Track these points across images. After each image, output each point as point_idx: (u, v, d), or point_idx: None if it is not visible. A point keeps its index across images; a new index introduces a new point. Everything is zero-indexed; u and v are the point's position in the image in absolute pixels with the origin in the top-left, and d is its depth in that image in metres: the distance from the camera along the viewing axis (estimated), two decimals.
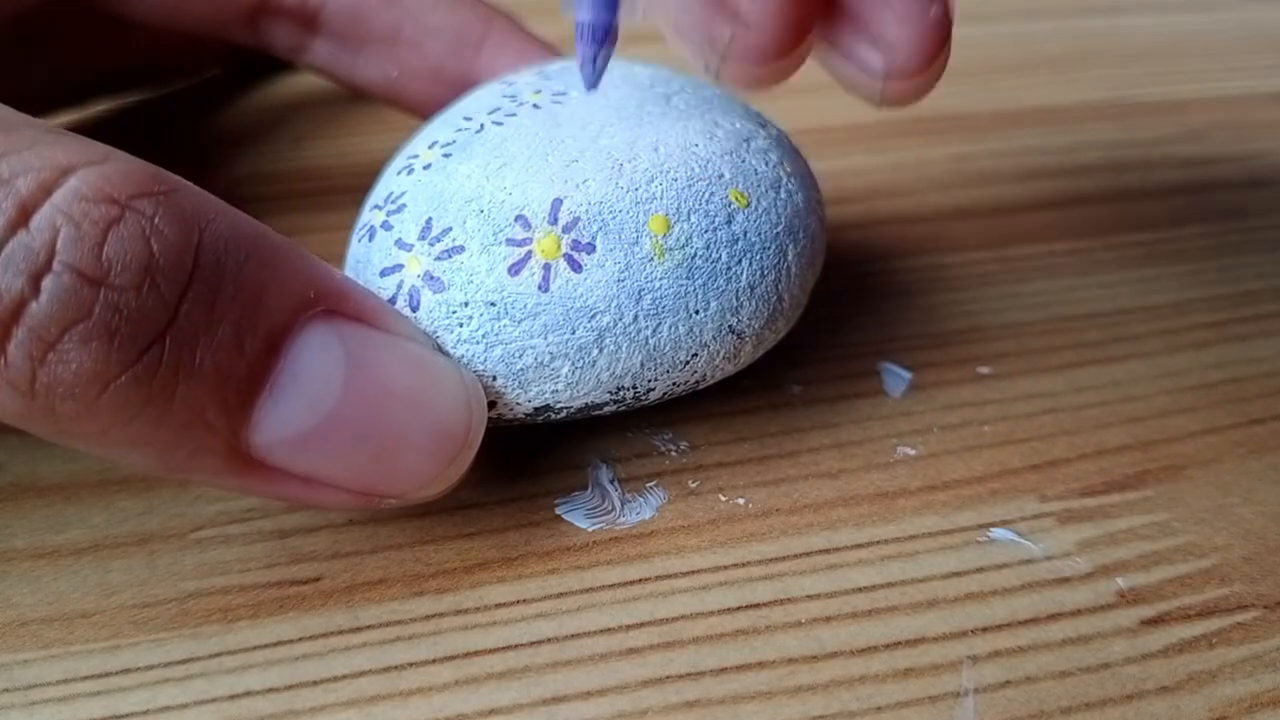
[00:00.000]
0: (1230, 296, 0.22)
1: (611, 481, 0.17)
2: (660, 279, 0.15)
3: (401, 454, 0.14)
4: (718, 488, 0.17)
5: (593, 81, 0.15)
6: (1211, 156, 0.28)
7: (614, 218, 0.15)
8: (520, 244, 0.15)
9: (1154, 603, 0.15)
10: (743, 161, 0.17)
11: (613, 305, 0.15)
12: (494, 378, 0.15)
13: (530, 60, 0.23)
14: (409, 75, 0.24)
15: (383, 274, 0.16)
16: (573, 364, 0.15)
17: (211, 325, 0.12)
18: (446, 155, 0.16)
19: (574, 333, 0.15)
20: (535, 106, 0.17)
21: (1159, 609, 0.15)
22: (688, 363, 0.16)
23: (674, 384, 0.16)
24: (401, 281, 0.15)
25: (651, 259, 0.15)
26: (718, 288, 0.16)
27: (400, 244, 0.16)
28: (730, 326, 0.16)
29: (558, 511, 0.16)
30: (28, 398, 0.11)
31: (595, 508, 0.16)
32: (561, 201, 0.15)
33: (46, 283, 0.11)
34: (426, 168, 0.16)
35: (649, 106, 0.17)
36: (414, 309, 0.15)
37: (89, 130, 0.27)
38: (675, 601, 0.15)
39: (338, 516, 0.16)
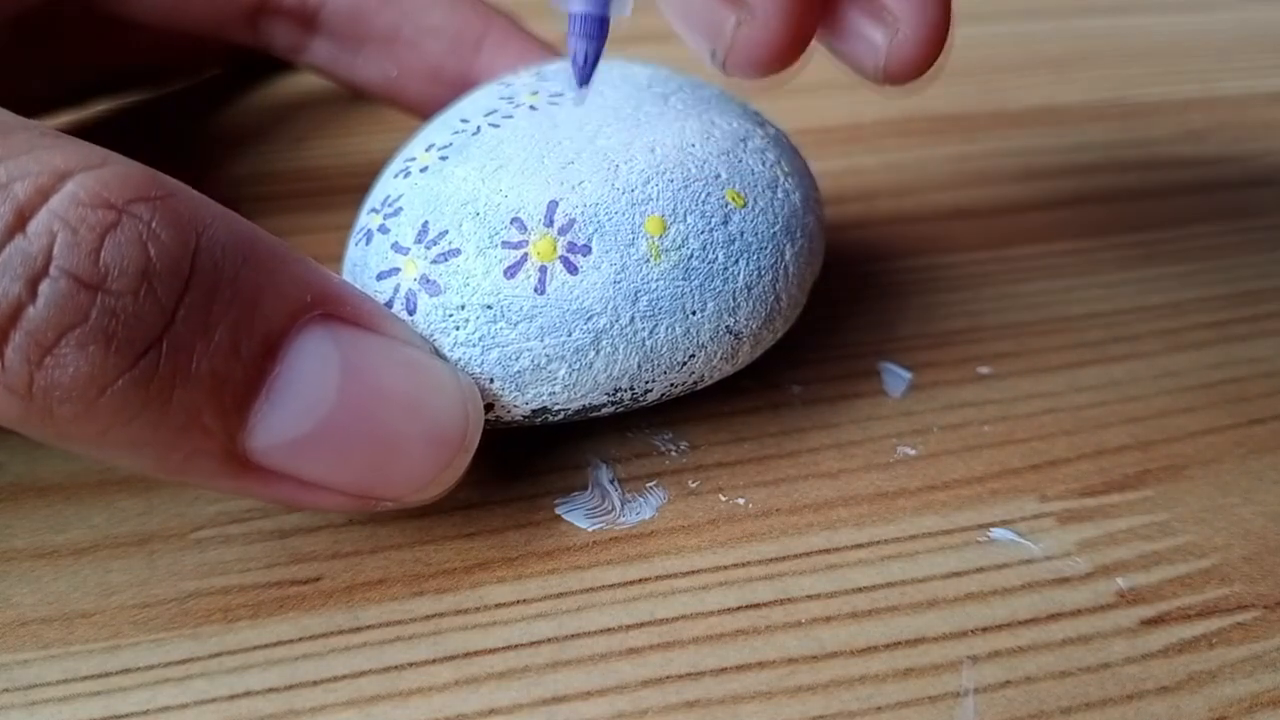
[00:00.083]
0: (1230, 296, 0.22)
1: (611, 481, 0.17)
2: (656, 280, 0.15)
3: (398, 457, 0.14)
4: (718, 488, 0.17)
5: (584, 78, 0.15)
6: (1211, 156, 0.28)
7: (610, 219, 0.15)
8: (516, 247, 0.15)
9: (1154, 603, 0.15)
10: (739, 161, 0.17)
11: (609, 307, 0.15)
12: (491, 380, 0.15)
13: (530, 60, 0.23)
14: (408, 75, 0.24)
15: (379, 277, 0.16)
16: (569, 366, 0.15)
17: (208, 329, 0.12)
18: (443, 158, 0.16)
19: (570, 335, 0.15)
20: (532, 108, 0.17)
21: (1159, 609, 0.15)
22: (685, 364, 0.16)
23: (672, 385, 0.16)
24: (398, 285, 0.15)
25: (648, 260, 0.15)
26: (714, 288, 0.16)
27: (397, 247, 0.16)
28: (728, 327, 0.16)
29: (558, 511, 0.16)
30: (25, 401, 0.11)
31: (595, 508, 0.16)
32: (557, 204, 0.15)
33: (43, 287, 0.11)
34: (423, 171, 0.16)
35: (646, 107, 0.17)
36: (410, 312, 0.15)
37: (89, 130, 0.27)
38: (675, 601, 0.15)
39: (338, 516, 0.16)
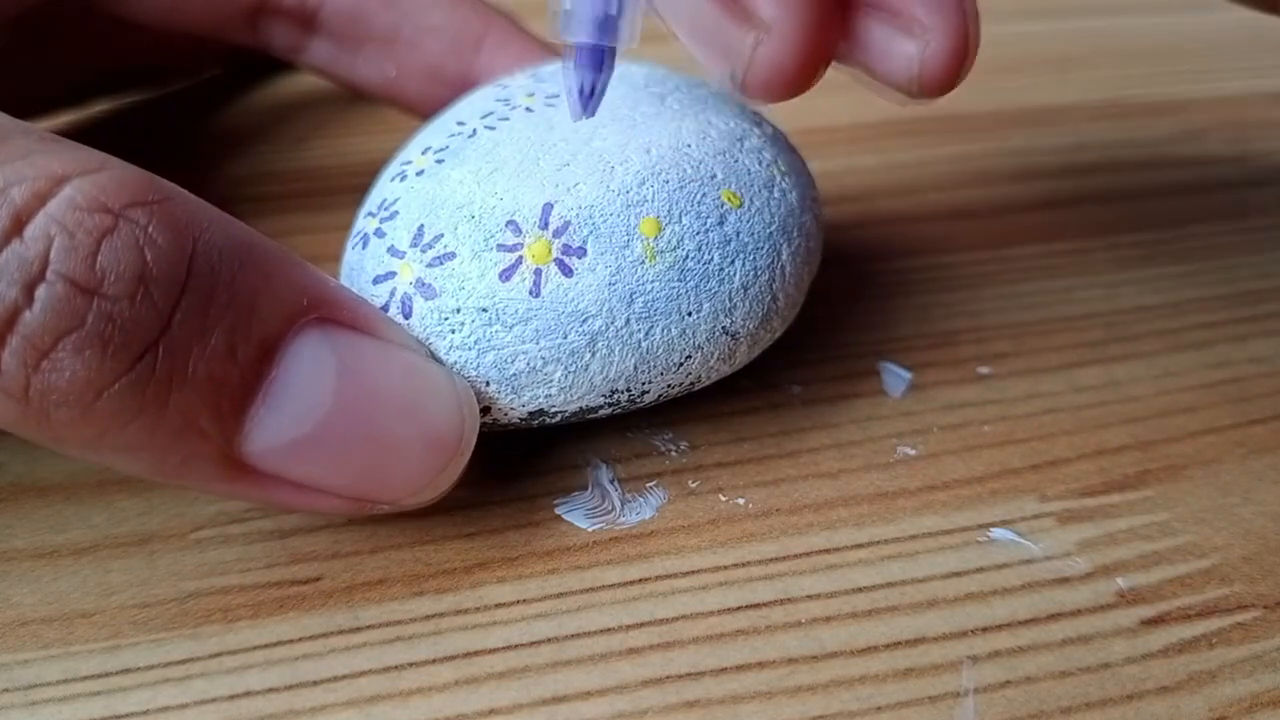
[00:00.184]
0: (1230, 296, 0.22)
1: (611, 481, 0.17)
2: (652, 282, 0.15)
3: (394, 461, 0.14)
4: (718, 488, 0.17)
5: (589, 111, 0.15)
6: (1211, 156, 0.28)
7: (605, 221, 0.15)
8: (511, 250, 0.15)
9: (1154, 603, 0.15)
10: (736, 161, 0.17)
11: (604, 309, 0.15)
12: (487, 383, 0.15)
13: (530, 60, 0.23)
14: (408, 75, 0.24)
15: (375, 281, 0.16)
16: (565, 368, 0.15)
17: (205, 333, 0.12)
18: (439, 161, 0.16)
19: (566, 337, 0.15)
20: (528, 110, 0.17)
21: (1159, 609, 0.15)
22: (682, 365, 0.16)
23: (669, 386, 0.16)
24: (394, 289, 0.15)
25: (643, 262, 0.15)
26: (710, 289, 0.16)
27: (393, 251, 0.16)
28: (724, 328, 0.16)
29: (558, 511, 0.16)
30: (22, 404, 0.12)
31: (595, 508, 0.16)
32: (552, 206, 0.15)
33: (40, 292, 0.11)
34: (419, 174, 0.16)
35: (643, 107, 0.17)
36: (406, 316, 0.15)
37: (89, 130, 0.27)
38: (675, 601, 0.15)
39: (337, 517, 0.16)
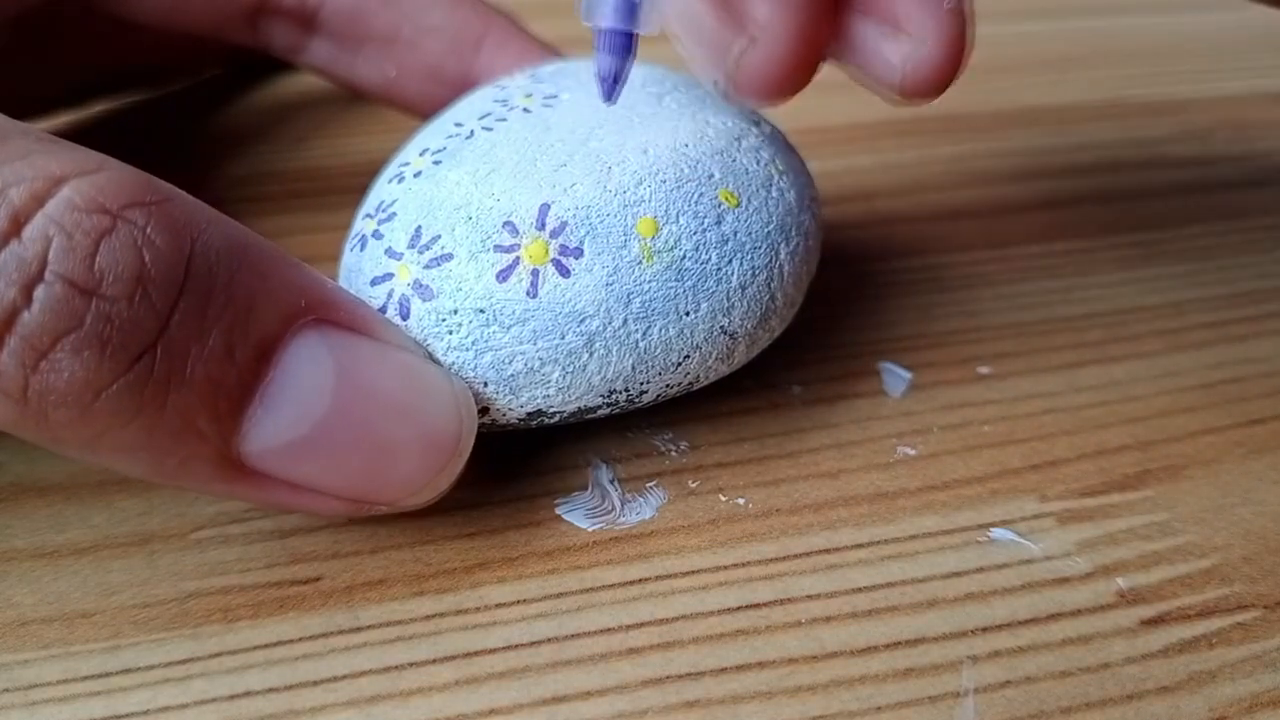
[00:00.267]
0: (1230, 296, 0.22)
1: (611, 481, 0.17)
2: (649, 282, 0.15)
3: (392, 462, 0.14)
4: (718, 488, 0.17)
5: (612, 96, 0.15)
6: (1211, 156, 0.28)
7: (602, 222, 0.15)
8: (508, 250, 0.15)
9: (1154, 603, 0.15)
10: (733, 161, 0.17)
11: (601, 309, 0.15)
12: (485, 384, 0.15)
13: (529, 60, 0.23)
14: (408, 75, 0.24)
15: (373, 283, 0.16)
16: (563, 369, 0.15)
17: (203, 334, 0.12)
18: (436, 163, 0.16)
19: (563, 338, 0.15)
20: (526, 110, 0.17)
21: (1159, 609, 0.15)
22: (680, 364, 0.16)
23: (667, 386, 0.16)
24: (391, 290, 0.15)
25: (640, 262, 0.15)
26: (708, 289, 0.16)
27: (390, 253, 0.16)
28: (722, 327, 0.16)
29: (558, 511, 0.16)
30: (20, 405, 0.12)
31: (595, 508, 0.16)
32: (549, 206, 0.15)
33: (39, 292, 0.11)
34: (417, 175, 0.16)
35: (640, 107, 0.17)
36: (404, 317, 0.15)
37: (89, 130, 0.27)
38: (675, 601, 0.15)
39: (337, 517, 0.16)
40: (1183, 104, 0.31)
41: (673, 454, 0.17)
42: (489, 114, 0.17)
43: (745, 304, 0.16)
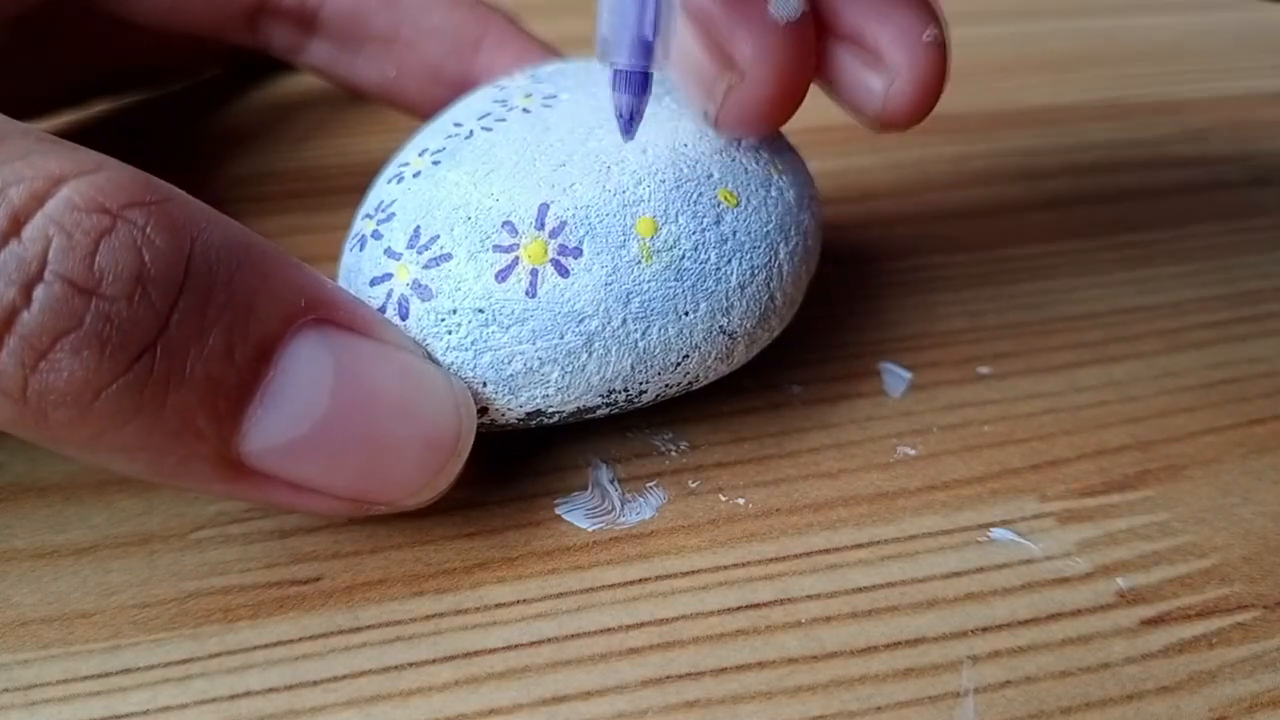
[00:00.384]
0: (1230, 296, 0.22)
1: (611, 481, 0.17)
2: (648, 281, 0.15)
3: (391, 462, 0.14)
4: (718, 488, 0.17)
5: (630, 132, 0.15)
6: (1211, 156, 0.28)
7: (601, 221, 0.15)
8: (507, 250, 0.15)
9: (1154, 603, 0.15)
10: (733, 160, 0.17)
11: (600, 309, 0.15)
12: (484, 384, 0.15)
13: (529, 60, 0.23)
14: (407, 75, 0.24)
15: (372, 283, 0.16)
16: (562, 369, 0.15)
17: (202, 334, 0.12)
18: (436, 163, 0.16)
19: (562, 337, 0.15)
20: (525, 111, 0.17)
21: (1159, 609, 0.15)
22: (679, 364, 0.16)
23: (666, 386, 0.16)
24: (391, 290, 0.15)
25: (639, 262, 0.15)
26: (707, 289, 0.16)
27: (389, 253, 0.16)
28: (721, 327, 0.16)
29: (558, 511, 0.16)
30: (19, 405, 0.12)
31: (595, 508, 0.16)
32: (548, 206, 0.15)
33: (38, 292, 0.11)
34: (416, 176, 0.16)
35: None
36: (403, 317, 0.15)
37: (89, 130, 0.27)
38: (675, 601, 0.15)
39: (336, 517, 0.16)
40: (1183, 104, 0.31)
41: (673, 454, 0.17)
42: (488, 114, 0.17)
43: (744, 304, 0.16)
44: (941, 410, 0.18)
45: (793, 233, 0.17)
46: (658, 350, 0.15)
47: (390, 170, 0.17)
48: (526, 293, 0.15)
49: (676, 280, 0.15)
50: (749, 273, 0.16)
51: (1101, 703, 0.13)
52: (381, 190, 0.17)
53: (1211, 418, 0.18)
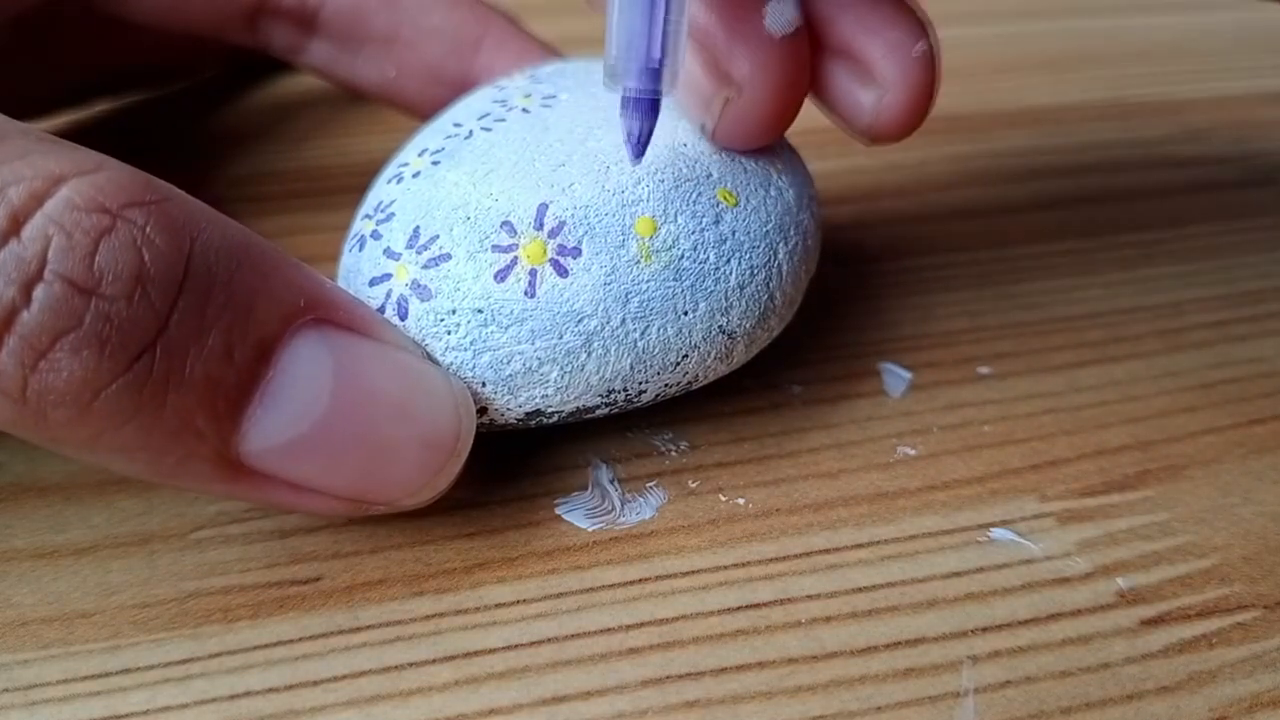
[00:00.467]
0: (1230, 296, 0.22)
1: (611, 481, 0.17)
2: (647, 281, 0.15)
3: (390, 462, 0.14)
4: (718, 488, 0.17)
5: (639, 153, 0.15)
6: (1211, 156, 0.28)
7: (600, 221, 0.15)
8: (506, 250, 0.15)
9: (1154, 603, 0.15)
10: (732, 160, 0.17)
11: (599, 309, 0.15)
12: (483, 384, 0.15)
13: (529, 60, 0.23)
14: (407, 76, 0.24)
15: (371, 283, 0.16)
16: (561, 369, 0.15)
17: (202, 334, 0.12)
18: (435, 163, 0.16)
19: (561, 337, 0.15)
20: (525, 111, 0.17)
21: (1159, 609, 0.15)
22: (678, 364, 0.16)
23: (666, 385, 0.16)
24: (390, 290, 0.15)
25: (638, 262, 0.15)
26: (706, 288, 0.16)
27: (388, 253, 0.16)
28: (720, 327, 0.16)
29: (558, 511, 0.16)
30: (19, 404, 0.12)
31: (595, 508, 0.16)
32: (547, 206, 0.15)
33: (38, 292, 0.11)
34: (415, 176, 0.16)
35: None
36: (402, 318, 0.15)
37: (89, 130, 0.27)
38: (675, 601, 0.15)
39: (336, 517, 0.16)
40: (1183, 104, 0.31)
41: (673, 454, 0.17)
42: (488, 114, 0.17)
43: (744, 303, 0.16)
44: (941, 410, 0.18)
45: (792, 232, 0.17)
46: (657, 350, 0.15)
47: (390, 170, 0.17)
48: (525, 293, 0.15)
49: (675, 280, 0.15)
50: (748, 272, 0.16)
51: (1101, 703, 0.13)
52: (381, 190, 0.17)
53: (1211, 418, 0.18)
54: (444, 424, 0.14)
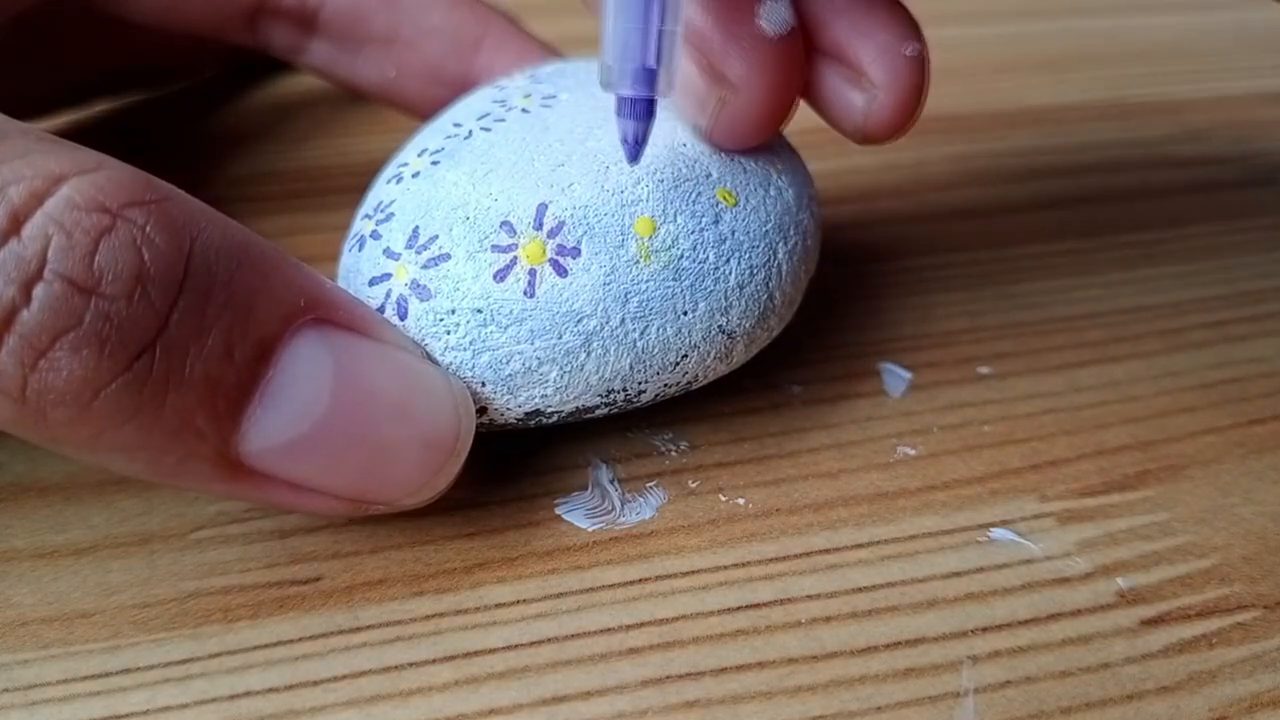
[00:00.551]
0: (1229, 296, 0.22)
1: (611, 481, 0.17)
2: (647, 281, 0.15)
3: (390, 462, 0.14)
4: (718, 488, 0.17)
5: (637, 157, 0.15)
6: (1211, 156, 0.28)
7: (599, 221, 0.15)
8: (506, 250, 0.15)
9: (1154, 603, 0.15)
10: (731, 159, 0.17)
11: (599, 309, 0.15)
12: (482, 384, 0.15)
13: (529, 60, 0.23)
14: (407, 75, 0.24)
15: (371, 283, 0.16)
16: (560, 368, 0.15)
17: (202, 333, 0.12)
18: (435, 163, 0.16)
19: (560, 337, 0.15)
20: (524, 111, 0.17)
21: (1159, 609, 0.15)
22: (678, 364, 0.16)
23: (665, 385, 0.16)
24: (389, 290, 0.15)
25: (638, 262, 0.15)
26: (706, 288, 0.16)
27: (388, 253, 0.16)
28: (720, 327, 0.16)
29: (558, 511, 0.16)
30: (19, 404, 0.12)
31: (595, 508, 0.16)
32: (547, 206, 0.15)
33: (38, 291, 0.11)
34: (415, 176, 0.16)
35: None
36: (402, 317, 0.15)
37: (89, 130, 0.27)
38: (675, 601, 0.15)
39: (336, 517, 0.16)
40: (1183, 104, 0.31)
41: (673, 454, 0.17)
42: (487, 114, 0.17)
43: (743, 303, 0.16)
44: (941, 410, 0.18)
45: (792, 232, 0.17)
46: (656, 350, 0.15)
47: (389, 170, 0.17)
48: (525, 293, 0.15)
49: (675, 280, 0.15)
50: (748, 272, 0.16)
51: (1101, 703, 0.13)
52: (380, 190, 0.17)
53: (1211, 418, 0.18)
54: (443, 424, 0.14)
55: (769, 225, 0.16)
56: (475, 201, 0.15)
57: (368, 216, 0.17)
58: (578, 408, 0.16)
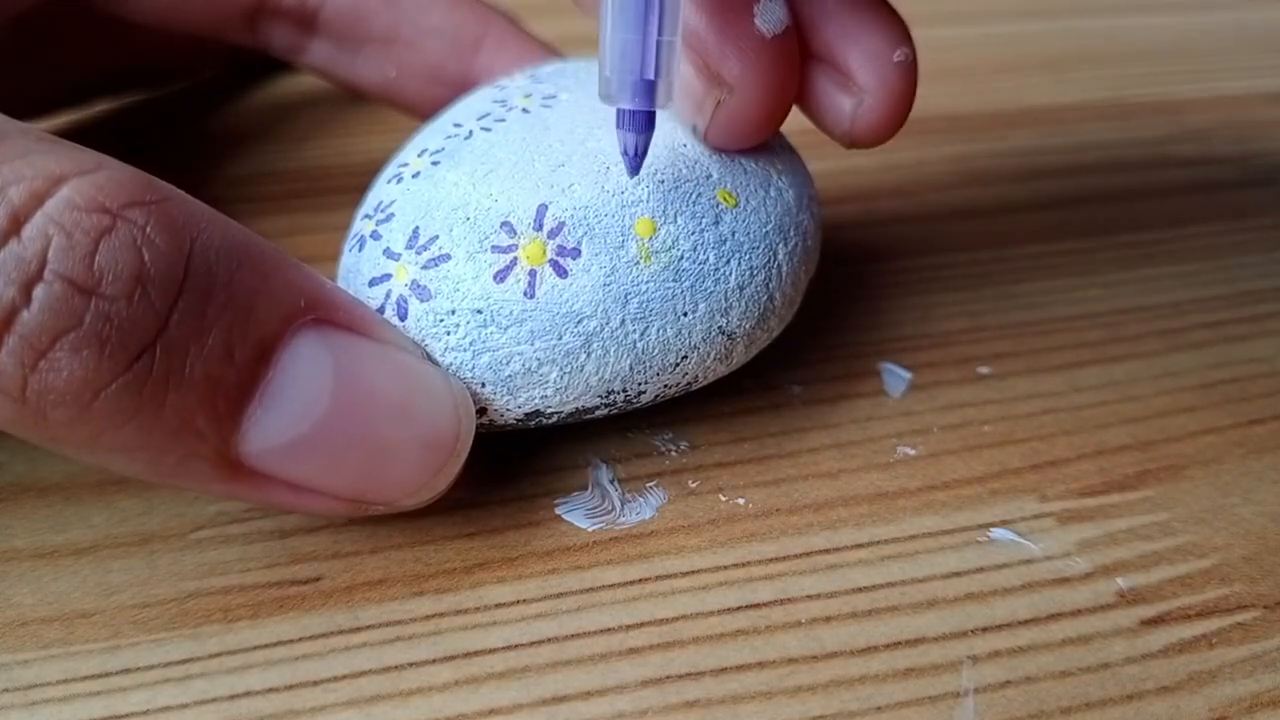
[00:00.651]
0: (1229, 296, 0.22)
1: (611, 481, 0.17)
2: (647, 282, 0.15)
3: (390, 462, 0.14)
4: (718, 488, 0.17)
5: (635, 168, 0.15)
6: (1211, 156, 0.28)
7: (599, 222, 0.15)
8: (506, 251, 0.15)
9: (1154, 603, 0.15)
10: (732, 160, 0.17)
11: (599, 310, 0.15)
12: (482, 385, 0.15)
13: (529, 60, 0.23)
14: (407, 75, 0.24)
15: (371, 284, 0.16)
16: (560, 369, 0.15)
17: (202, 334, 0.12)
18: (435, 163, 0.16)
19: (561, 338, 0.15)
20: (525, 111, 0.17)
21: (1159, 609, 0.15)
22: (678, 365, 0.16)
23: (665, 386, 0.16)
24: (389, 291, 0.15)
25: (638, 262, 0.15)
26: (706, 289, 0.16)
27: (388, 253, 0.16)
28: (720, 327, 0.16)
29: (558, 511, 0.16)
30: (19, 404, 0.12)
31: (595, 508, 0.16)
32: (547, 207, 0.15)
33: (38, 291, 0.11)
34: (415, 176, 0.16)
35: None
36: (402, 318, 0.15)
37: (89, 130, 0.27)
38: (675, 601, 0.15)
39: (336, 517, 0.16)
40: (1183, 104, 0.31)
41: (673, 454, 0.17)
42: (488, 114, 0.17)
43: (743, 304, 0.16)
44: (941, 410, 0.18)
45: (792, 233, 0.17)
46: (656, 351, 0.15)
47: (389, 170, 0.17)
48: (525, 293, 0.15)
49: (675, 281, 0.15)
50: (748, 273, 0.16)
51: (1101, 703, 0.13)
52: (381, 190, 0.17)
53: (1211, 418, 0.18)
54: (443, 424, 0.14)
55: (769, 226, 0.16)
56: (475, 202, 0.15)
57: (368, 217, 0.17)
58: (578, 408, 0.16)
